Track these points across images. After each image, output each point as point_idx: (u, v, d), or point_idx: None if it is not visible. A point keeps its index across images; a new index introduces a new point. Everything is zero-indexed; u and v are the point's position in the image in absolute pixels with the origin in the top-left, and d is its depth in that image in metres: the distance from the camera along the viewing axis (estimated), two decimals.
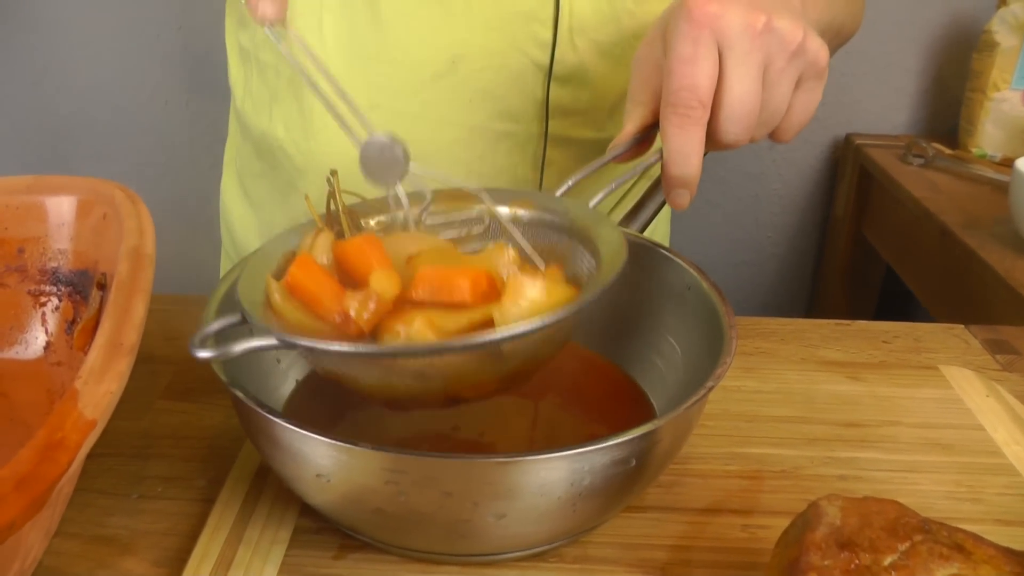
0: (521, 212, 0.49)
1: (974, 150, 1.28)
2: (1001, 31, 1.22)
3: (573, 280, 0.45)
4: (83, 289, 0.53)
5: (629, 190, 0.60)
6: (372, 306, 0.40)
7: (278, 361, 0.53)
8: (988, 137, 1.27)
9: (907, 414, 0.58)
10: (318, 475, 0.39)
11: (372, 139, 0.45)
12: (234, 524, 0.46)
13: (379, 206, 0.49)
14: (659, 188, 0.60)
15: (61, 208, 0.54)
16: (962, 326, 0.69)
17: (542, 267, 0.45)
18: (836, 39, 0.69)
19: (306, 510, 0.47)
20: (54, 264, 0.54)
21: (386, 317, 0.41)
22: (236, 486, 0.49)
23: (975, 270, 1.00)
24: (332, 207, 0.47)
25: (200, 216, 1.52)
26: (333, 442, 0.37)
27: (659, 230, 0.88)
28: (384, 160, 0.45)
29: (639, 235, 0.56)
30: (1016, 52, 1.21)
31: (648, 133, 0.51)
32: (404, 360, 0.40)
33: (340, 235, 0.46)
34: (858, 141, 1.39)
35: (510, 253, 0.44)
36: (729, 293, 0.50)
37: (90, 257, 0.53)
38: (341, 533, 0.46)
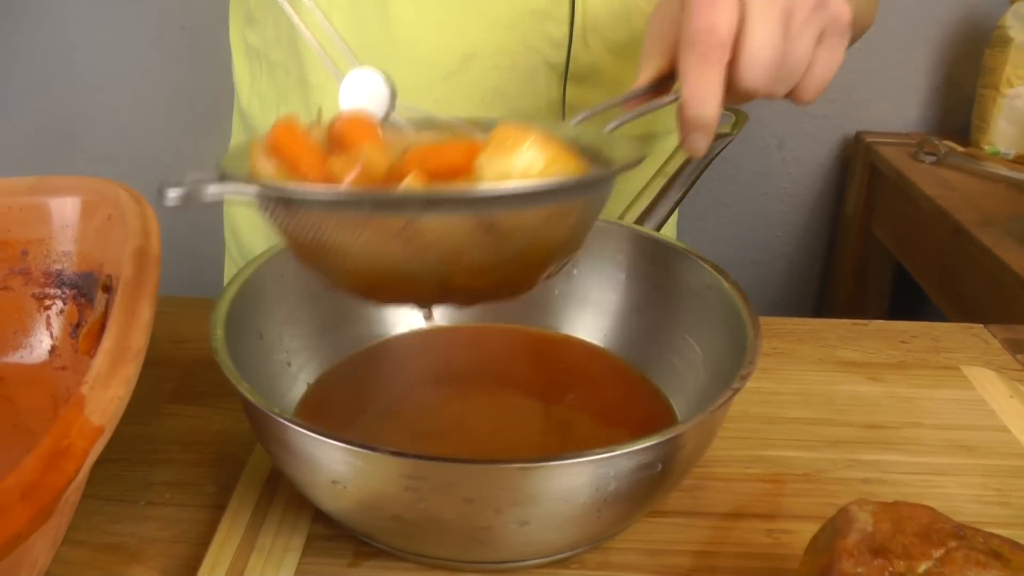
0: None
1: (987, 147, 1.27)
2: (1015, 26, 1.20)
3: None
4: (88, 292, 0.52)
5: (643, 190, 0.59)
6: (358, 169, 0.36)
7: (288, 364, 0.52)
8: (1001, 134, 1.25)
9: (929, 415, 0.57)
10: (334, 481, 0.38)
11: (355, 72, 0.42)
12: (246, 531, 0.45)
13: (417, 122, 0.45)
14: (673, 186, 0.59)
15: (65, 209, 0.53)
16: (981, 326, 0.68)
17: None
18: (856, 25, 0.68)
19: (319, 516, 0.46)
20: (58, 266, 0.53)
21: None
22: (247, 492, 0.48)
23: (990, 268, 0.99)
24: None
25: (204, 217, 1.51)
26: (350, 447, 0.36)
27: (665, 232, 0.87)
28: (368, 94, 0.42)
29: (658, 234, 0.55)
30: None
31: (662, 85, 0.49)
32: (390, 218, 0.35)
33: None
34: (868, 139, 1.38)
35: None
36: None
37: (95, 259, 0.52)
38: (356, 540, 0.45)
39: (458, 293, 0.38)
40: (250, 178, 0.36)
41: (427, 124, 0.44)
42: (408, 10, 0.65)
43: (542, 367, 0.56)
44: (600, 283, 0.56)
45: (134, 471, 0.50)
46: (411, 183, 0.35)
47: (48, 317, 0.53)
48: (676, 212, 0.88)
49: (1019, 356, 0.64)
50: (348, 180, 0.36)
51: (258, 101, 0.75)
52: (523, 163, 0.36)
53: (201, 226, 1.51)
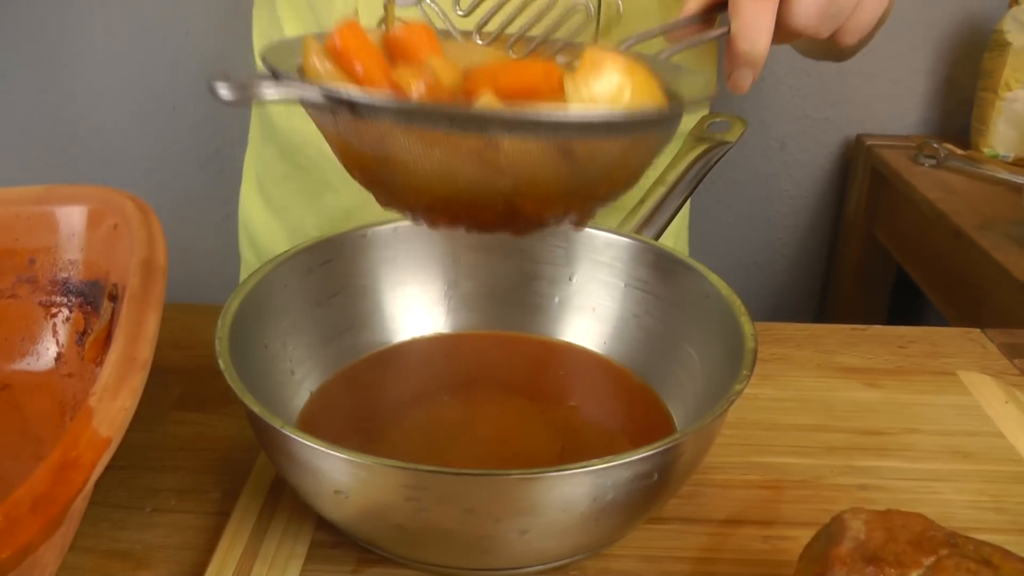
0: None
1: (986, 150, 1.27)
2: (1013, 30, 1.21)
3: None
4: (94, 300, 0.53)
5: (644, 199, 0.59)
6: (427, 82, 0.34)
7: (292, 373, 0.52)
8: (1000, 137, 1.26)
9: (926, 421, 0.57)
10: (336, 491, 0.39)
11: None
12: (250, 538, 0.46)
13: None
14: (673, 194, 0.60)
15: (72, 218, 0.53)
16: (979, 330, 0.68)
17: None
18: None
19: (323, 524, 0.46)
20: (65, 275, 0.53)
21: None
22: (251, 499, 0.48)
23: (990, 272, 0.99)
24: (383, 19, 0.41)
25: (208, 221, 1.52)
26: (353, 459, 0.36)
27: (680, 238, 0.88)
28: None
29: (657, 243, 0.55)
30: None
31: (708, 14, 0.48)
32: (470, 137, 0.33)
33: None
34: (869, 142, 1.38)
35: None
36: (740, 295, 0.50)
37: (101, 268, 0.52)
38: (359, 547, 0.45)
39: (519, 220, 0.37)
40: (311, 79, 0.34)
41: (484, 38, 0.42)
42: None
43: (543, 374, 0.57)
44: (599, 291, 0.57)
45: (140, 478, 0.51)
46: (489, 102, 0.33)
47: (54, 325, 0.54)
48: (688, 219, 0.89)
49: (1016, 360, 0.65)
50: (417, 92, 0.34)
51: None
52: (612, 89, 0.34)
53: (203, 233, 1.52)
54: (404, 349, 0.58)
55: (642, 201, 0.59)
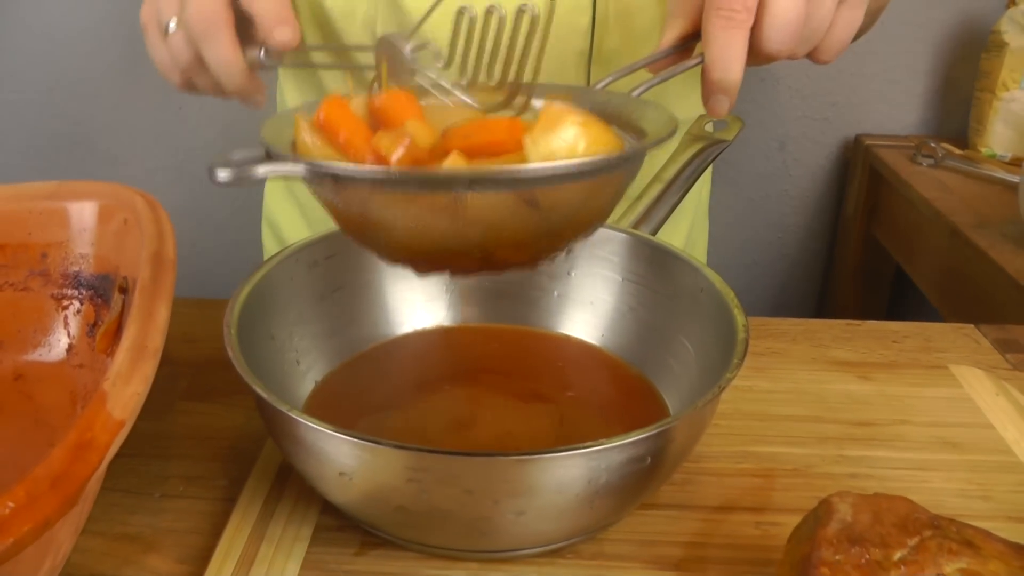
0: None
1: (983, 150, 1.28)
2: (1010, 31, 1.22)
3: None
4: (104, 293, 0.54)
5: (640, 195, 0.60)
6: (404, 146, 0.37)
7: (297, 363, 0.54)
8: (998, 137, 1.27)
9: (917, 413, 0.58)
10: (341, 473, 0.40)
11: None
12: (256, 522, 0.47)
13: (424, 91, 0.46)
14: (670, 190, 0.61)
15: (83, 214, 0.55)
16: (972, 326, 0.69)
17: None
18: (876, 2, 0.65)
19: (327, 508, 0.48)
20: (76, 268, 0.55)
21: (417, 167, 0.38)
22: (258, 485, 0.50)
23: (985, 270, 1.00)
24: (375, 78, 0.45)
25: (214, 218, 1.53)
26: (357, 441, 0.38)
27: (698, 245, 0.88)
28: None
29: (653, 238, 0.57)
30: None
31: (686, 44, 0.49)
32: (437, 195, 0.36)
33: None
34: (868, 142, 1.39)
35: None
36: (739, 294, 0.51)
37: (111, 262, 0.53)
38: (362, 530, 0.46)
39: (497, 263, 0.40)
40: (297, 155, 0.38)
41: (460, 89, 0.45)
42: (421, 9, 0.66)
43: (541, 366, 0.58)
44: (597, 285, 0.58)
45: (150, 465, 0.52)
46: (455, 161, 0.36)
47: (66, 317, 0.55)
48: (707, 225, 0.90)
49: (1009, 355, 0.66)
50: (395, 157, 0.38)
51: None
52: (567, 143, 0.37)
53: (207, 228, 1.53)
54: (406, 341, 0.59)
55: (639, 197, 0.60)
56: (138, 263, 0.47)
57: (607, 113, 0.44)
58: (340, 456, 0.39)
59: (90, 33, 1.44)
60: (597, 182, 0.39)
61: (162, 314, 0.43)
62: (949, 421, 0.57)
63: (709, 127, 0.64)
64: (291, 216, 0.85)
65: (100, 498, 0.48)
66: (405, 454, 0.37)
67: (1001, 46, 1.23)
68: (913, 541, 0.37)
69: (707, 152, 0.62)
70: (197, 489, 0.50)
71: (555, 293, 0.60)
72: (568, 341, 0.59)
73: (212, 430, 0.55)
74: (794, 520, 0.42)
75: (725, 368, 0.44)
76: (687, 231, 0.86)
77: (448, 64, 0.44)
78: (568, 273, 0.59)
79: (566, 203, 0.38)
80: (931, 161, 1.27)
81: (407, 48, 0.44)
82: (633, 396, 0.54)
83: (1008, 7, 1.23)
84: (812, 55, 0.49)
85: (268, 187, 0.88)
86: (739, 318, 0.48)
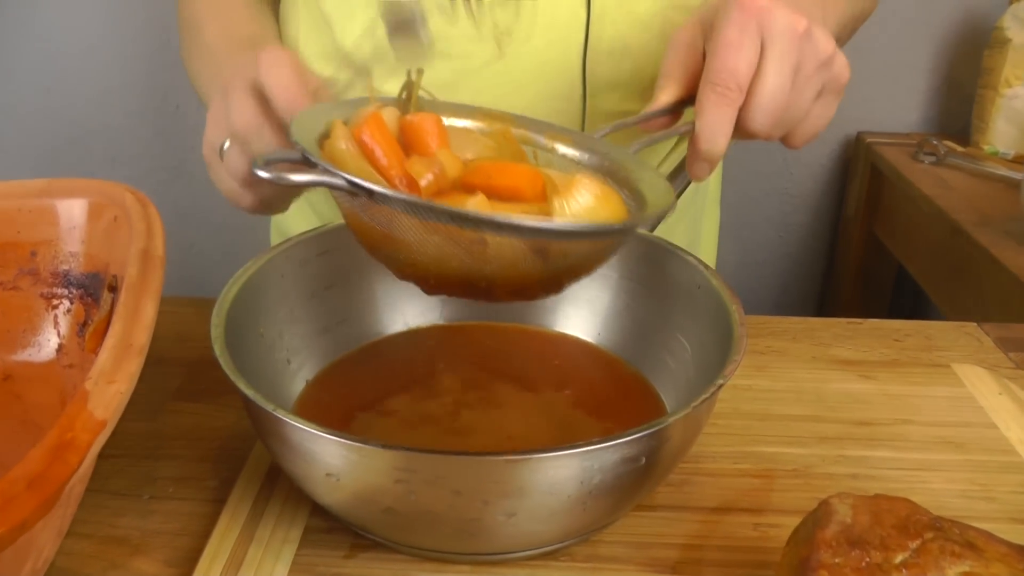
0: (559, 147, 0.50)
1: (986, 147, 1.28)
2: (1013, 27, 1.21)
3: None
4: (94, 292, 0.53)
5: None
6: (435, 174, 0.41)
7: (288, 362, 0.53)
8: (1000, 134, 1.26)
9: (919, 412, 0.57)
10: (328, 474, 0.39)
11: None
12: (245, 523, 0.46)
13: (454, 108, 0.49)
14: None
15: (72, 211, 0.54)
16: (975, 324, 0.69)
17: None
18: (854, 23, 0.70)
19: (317, 510, 0.47)
20: (66, 267, 0.54)
21: (441, 196, 0.41)
22: (247, 486, 0.49)
23: (987, 268, 0.99)
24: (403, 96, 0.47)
25: (211, 219, 1.53)
26: (343, 441, 0.37)
27: (707, 250, 0.88)
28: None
29: (650, 235, 0.56)
30: None
31: (677, 108, 0.52)
32: (463, 230, 0.39)
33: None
34: (869, 139, 1.38)
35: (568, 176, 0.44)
36: (740, 293, 0.50)
37: (101, 260, 0.53)
38: (352, 532, 0.46)
39: (499, 293, 0.42)
40: (334, 166, 0.39)
41: (476, 114, 0.49)
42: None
43: (538, 364, 0.57)
44: (594, 282, 0.57)
45: (139, 466, 0.52)
46: (480, 205, 0.40)
47: (56, 316, 0.54)
48: (718, 226, 0.89)
49: (1012, 354, 0.65)
50: (424, 182, 0.41)
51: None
52: (590, 209, 0.42)
53: (205, 228, 1.52)
54: (400, 340, 0.58)
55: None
56: (128, 261, 0.46)
57: (606, 166, 0.48)
58: (326, 457, 0.38)
59: (88, 33, 1.44)
60: (605, 243, 0.43)
61: (148, 312, 0.42)
62: (951, 421, 0.57)
63: None
64: (300, 211, 0.84)
65: (87, 499, 0.48)
66: (391, 454, 0.37)
67: (1004, 42, 1.22)
68: (914, 544, 0.37)
69: None
70: (186, 490, 0.50)
71: None
72: (564, 339, 0.58)
73: (203, 430, 0.55)
74: (793, 522, 0.41)
75: (722, 366, 0.43)
76: (690, 223, 0.85)
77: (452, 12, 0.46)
78: None
79: (573, 256, 0.42)
80: (933, 159, 1.26)
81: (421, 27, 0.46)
82: (630, 394, 0.54)
83: (1011, 3, 1.23)
84: (785, 139, 0.53)
85: None
86: (736, 315, 0.47)
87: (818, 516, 0.39)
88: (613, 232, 0.42)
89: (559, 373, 0.56)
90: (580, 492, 0.38)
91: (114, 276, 0.51)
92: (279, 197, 0.58)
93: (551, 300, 0.59)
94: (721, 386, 0.42)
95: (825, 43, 0.50)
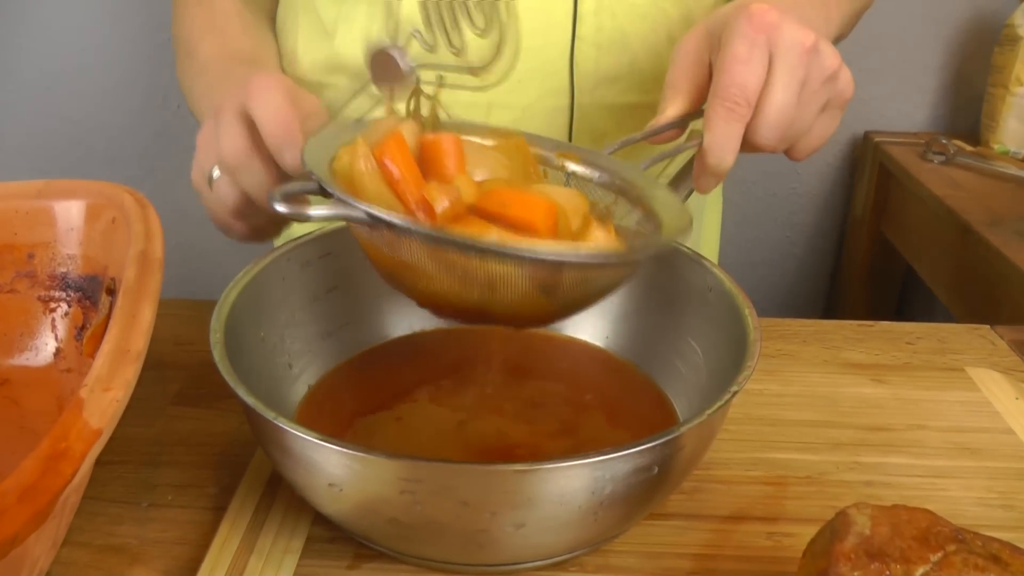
0: (570, 165, 0.49)
1: (996, 146, 1.26)
2: (1023, 25, 1.20)
3: (618, 232, 0.46)
4: (92, 295, 0.52)
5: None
6: (451, 200, 0.41)
7: (290, 366, 0.52)
8: (1010, 133, 1.25)
9: (934, 418, 0.56)
10: (330, 484, 0.38)
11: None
12: (246, 533, 0.45)
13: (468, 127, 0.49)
14: (676, 189, 0.59)
15: (70, 213, 0.53)
16: (988, 327, 0.68)
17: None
18: (854, 19, 0.71)
19: (319, 519, 0.46)
20: (63, 269, 0.53)
21: (456, 222, 0.41)
22: (248, 494, 0.48)
23: (999, 269, 0.98)
24: (413, 105, 0.47)
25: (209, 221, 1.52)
26: (346, 451, 0.36)
27: (709, 249, 0.87)
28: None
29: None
30: None
31: (683, 121, 0.52)
32: (481, 263, 0.39)
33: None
34: (877, 139, 1.37)
35: (580, 199, 0.45)
36: (747, 293, 0.49)
37: (99, 262, 0.52)
38: (355, 542, 0.45)
39: (506, 321, 0.43)
40: (354, 198, 0.38)
41: (482, 132, 0.49)
42: None
43: (545, 369, 0.56)
44: None
45: (138, 473, 0.51)
46: (497, 237, 0.40)
47: (53, 320, 0.53)
48: (720, 225, 0.89)
49: None
50: (440, 208, 0.41)
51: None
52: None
53: (206, 228, 1.51)
54: (404, 344, 0.57)
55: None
56: (126, 263, 0.45)
57: (617, 184, 0.48)
58: (329, 466, 0.37)
59: (88, 33, 1.43)
60: (622, 272, 0.44)
61: (146, 316, 0.41)
62: (967, 426, 0.56)
63: None
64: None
65: (84, 507, 0.47)
66: (397, 464, 0.36)
67: (1015, 40, 1.20)
68: (936, 556, 0.36)
69: None
70: (186, 498, 0.49)
71: None
72: (572, 343, 0.57)
73: (203, 436, 0.54)
74: (808, 530, 0.40)
75: (735, 371, 0.43)
76: (696, 223, 0.84)
77: (432, 44, 0.46)
78: None
79: (592, 284, 0.42)
80: (942, 158, 1.25)
81: (401, 59, 0.46)
82: (641, 401, 0.53)
83: (1022, 0, 1.21)
84: (788, 152, 0.53)
85: None
86: (750, 319, 0.46)
87: (835, 527, 0.38)
88: (632, 262, 0.43)
89: (568, 379, 0.55)
90: (591, 503, 0.37)
91: (112, 279, 0.51)
92: (273, 225, 0.57)
93: None
94: (736, 393, 0.41)
95: (831, 58, 0.50)
